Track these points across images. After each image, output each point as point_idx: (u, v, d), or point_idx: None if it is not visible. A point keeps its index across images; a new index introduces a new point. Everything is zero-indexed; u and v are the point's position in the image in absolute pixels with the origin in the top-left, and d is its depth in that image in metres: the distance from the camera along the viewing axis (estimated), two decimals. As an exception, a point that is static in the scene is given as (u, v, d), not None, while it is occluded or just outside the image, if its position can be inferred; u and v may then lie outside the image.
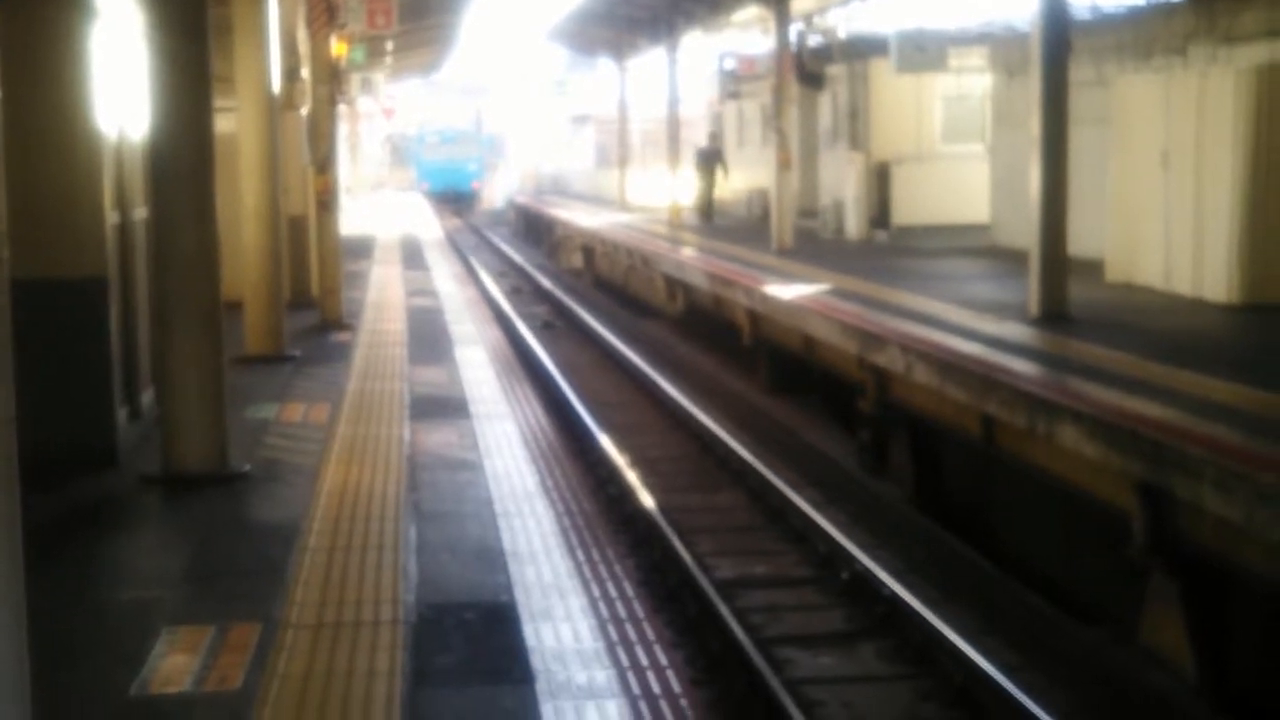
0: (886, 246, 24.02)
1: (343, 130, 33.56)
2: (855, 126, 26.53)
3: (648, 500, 12.25)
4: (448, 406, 12.92)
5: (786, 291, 17.08)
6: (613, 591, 7.72)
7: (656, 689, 6.35)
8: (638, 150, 45.83)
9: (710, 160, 32.36)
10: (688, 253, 24.06)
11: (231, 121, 14.41)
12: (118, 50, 9.95)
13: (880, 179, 25.49)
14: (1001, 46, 22.16)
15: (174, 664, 5.84)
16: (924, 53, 22.51)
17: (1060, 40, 13.91)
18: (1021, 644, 9.38)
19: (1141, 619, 9.24)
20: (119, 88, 9.96)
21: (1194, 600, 8.77)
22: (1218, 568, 8.46)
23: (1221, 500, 7.73)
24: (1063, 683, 8.74)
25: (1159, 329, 12.87)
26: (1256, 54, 15.16)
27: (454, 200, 64.62)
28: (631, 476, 13.16)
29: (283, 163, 15.40)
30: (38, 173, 9.05)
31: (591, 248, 34.21)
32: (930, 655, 9.11)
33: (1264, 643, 8.66)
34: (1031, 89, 14.07)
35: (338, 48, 19.71)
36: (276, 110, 14.81)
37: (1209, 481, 7.83)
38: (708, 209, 32.17)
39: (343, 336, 16.44)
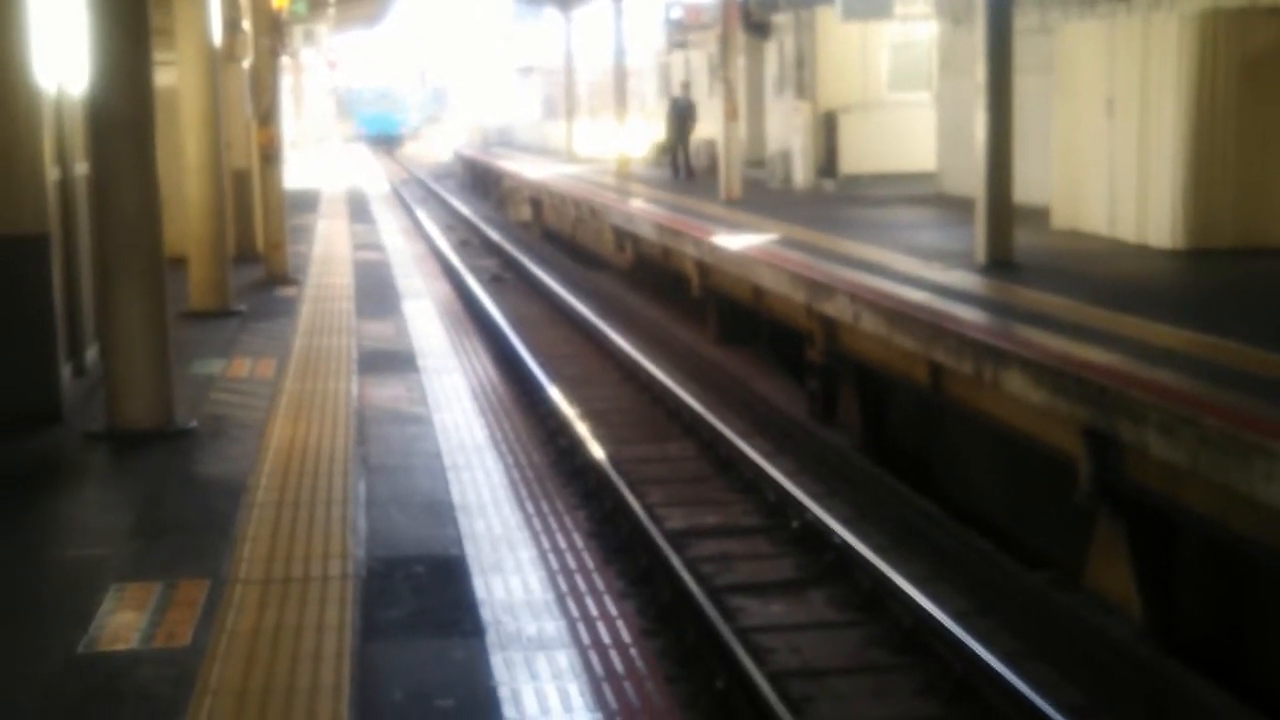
0: (834, 195, 24.04)
1: (286, 83, 33.30)
2: (802, 75, 26.50)
3: (598, 452, 12.26)
4: (396, 360, 12.89)
5: (735, 242, 17.08)
6: (563, 543, 7.73)
7: (607, 639, 6.37)
8: (585, 102, 45.65)
9: (683, 112, 29.48)
10: (636, 204, 24.01)
11: (172, 75, 14.26)
12: (56, 3, 9.81)
13: (827, 128, 25.49)
14: (947, -6, 22.14)
15: (122, 621, 5.81)
16: (870, 0, 22.48)
17: (1005, -13, 13.90)
18: (970, 589, 9.47)
19: (1087, 563, 9.32)
20: (57, 41, 9.83)
21: (1139, 544, 8.85)
22: (1163, 511, 8.54)
23: (1166, 444, 7.79)
24: (1011, 627, 8.83)
25: (1104, 275, 12.93)
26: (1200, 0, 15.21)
27: (385, 142, 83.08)
28: (582, 428, 13.17)
29: (225, 116, 15.26)
30: (-25, 129, 8.94)
31: (539, 200, 34.09)
32: (880, 601, 9.18)
33: (1209, 584, 8.76)
34: (977, 36, 14.06)
35: (279, -1, 19.52)
36: (218, 63, 14.68)
37: (1154, 426, 7.89)
38: (684, 164, 29.64)
39: (288, 291, 16.35)
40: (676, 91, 31.08)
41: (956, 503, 11.72)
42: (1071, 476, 8.98)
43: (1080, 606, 9.05)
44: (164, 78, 11.79)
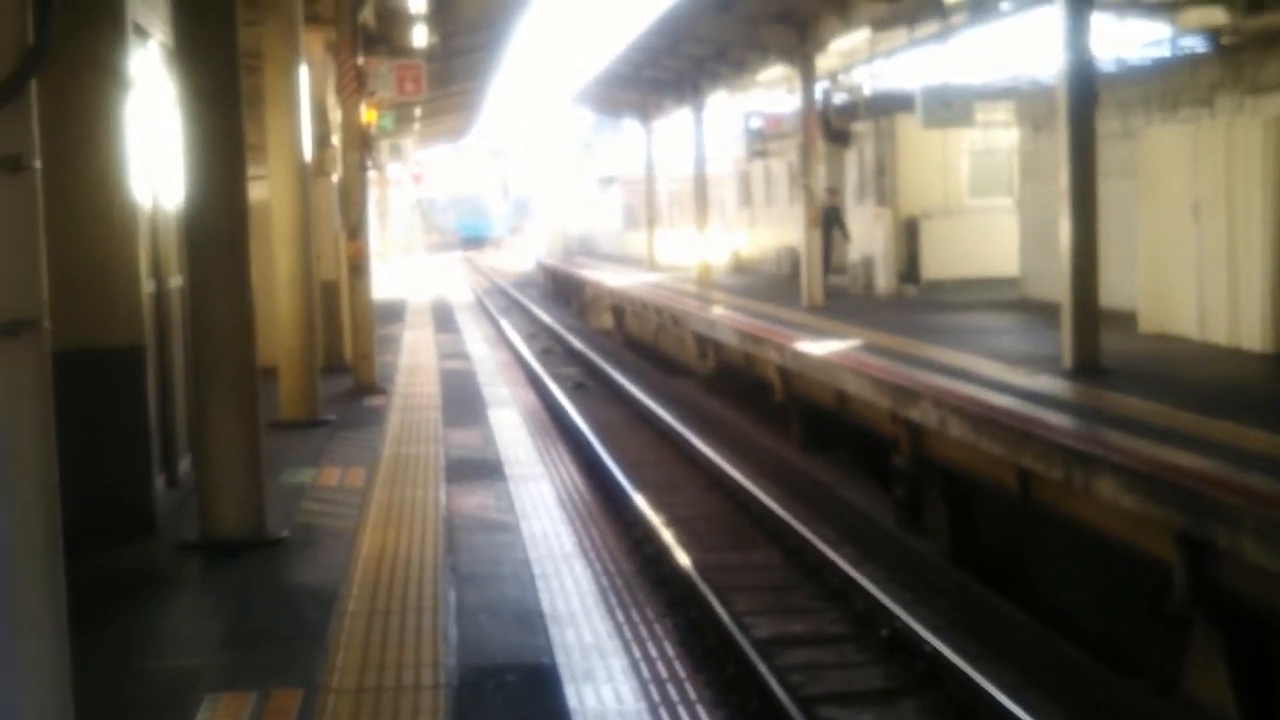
0: (916, 301, 24.02)
1: (373, 195, 33.79)
2: (883, 182, 26.59)
3: (684, 559, 12.22)
4: (483, 468, 12.91)
5: (818, 348, 17.08)
6: (653, 652, 7.69)
7: (699, 749, 6.32)
8: (665, 210, 45.98)
9: (829, 219, 26.78)
10: (718, 311, 24.08)
11: (264, 189, 14.50)
12: (152, 120, 10.05)
13: (909, 234, 25.53)
14: (1028, 100, 22.22)
15: (217, 731, 5.84)
16: (950, 108, 22.53)
17: (1087, 93, 13.94)
18: (1063, 697, 9.32)
19: (1185, 670, 9.17)
20: (154, 157, 10.05)
21: (1237, 650, 8.70)
22: (1261, 618, 8.40)
23: (1262, 550, 7.68)
24: (1107, 737, 8.68)
25: (1194, 379, 12.81)
26: (1283, 103, 15.18)
27: (477, 243, 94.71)
28: (667, 536, 13.13)
29: (315, 229, 15.49)
30: (75, 243, 9.12)
31: (621, 308, 34.27)
32: (972, 711, 9.05)
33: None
34: (1059, 142, 14.09)
35: (368, 115, 19.86)
36: (308, 177, 14.92)
37: (1249, 532, 7.79)
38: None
39: (377, 400, 16.48)
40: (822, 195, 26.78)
41: (1047, 609, 11.57)
42: (1166, 582, 8.86)
43: (1173, 714, 8.89)
44: (256, 192, 12.01)
